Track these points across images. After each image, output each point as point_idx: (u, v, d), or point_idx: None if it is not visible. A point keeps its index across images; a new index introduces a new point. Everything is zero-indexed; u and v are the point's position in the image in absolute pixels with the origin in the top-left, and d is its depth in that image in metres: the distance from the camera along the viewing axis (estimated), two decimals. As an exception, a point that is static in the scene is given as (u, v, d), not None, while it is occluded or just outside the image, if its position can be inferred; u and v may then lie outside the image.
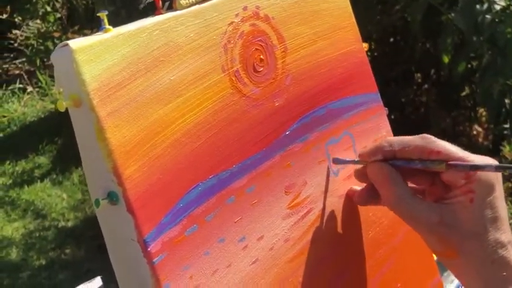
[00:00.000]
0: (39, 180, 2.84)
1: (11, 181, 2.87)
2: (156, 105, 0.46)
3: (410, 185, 0.55)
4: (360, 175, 0.57)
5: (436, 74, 2.66)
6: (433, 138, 0.53)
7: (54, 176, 2.87)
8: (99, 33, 0.45)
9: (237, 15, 0.53)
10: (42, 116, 3.41)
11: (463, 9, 1.96)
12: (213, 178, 0.49)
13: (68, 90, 0.43)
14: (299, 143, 0.56)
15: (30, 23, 3.54)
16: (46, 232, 2.49)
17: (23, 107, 3.48)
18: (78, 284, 0.76)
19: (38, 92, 3.58)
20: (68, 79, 0.43)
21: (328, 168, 0.58)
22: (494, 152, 2.37)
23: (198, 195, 0.48)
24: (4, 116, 3.36)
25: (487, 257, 0.51)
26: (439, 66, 2.39)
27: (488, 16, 1.95)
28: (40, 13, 3.55)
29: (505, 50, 1.97)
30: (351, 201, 0.59)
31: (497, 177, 0.52)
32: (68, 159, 2.90)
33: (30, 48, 3.57)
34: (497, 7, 1.94)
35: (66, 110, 0.44)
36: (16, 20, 3.57)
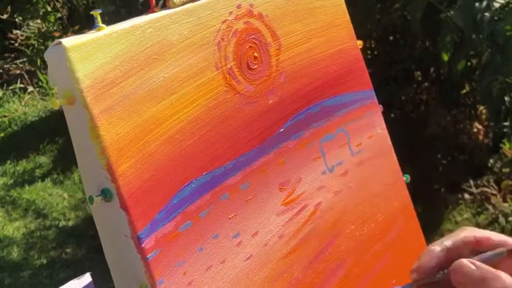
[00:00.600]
0: (40, 180, 2.84)
1: (12, 181, 2.87)
2: (150, 103, 0.46)
3: None
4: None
5: (435, 72, 2.65)
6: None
7: (55, 176, 2.87)
8: (92, 31, 0.46)
9: (230, 13, 0.53)
10: (43, 115, 3.41)
11: (462, 7, 1.96)
12: (207, 175, 0.49)
13: (62, 88, 0.44)
14: (293, 140, 0.56)
15: (31, 23, 3.53)
16: (47, 231, 2.49)
17: (24, 107, 3.48)
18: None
19: (38, 91, 3.58)
20: (62, 77, 0.43)
21: (323, 165, 0.58)
22: (494, 150, 2.37)
23: (192, 192, 0.48)
24: (5, 116, 3.37)
25: None
26: (439, 64, 2.39)
27: (487, 14, 1.95)
28: (40, 13, 3.55)
29: (504, 47, 1.97)
30: (346, 197, 0.59)
31: None
32: (68, 158, 2.90)
33: (30, 48, 3.57)
34: (497, 5, 1.94)
35: (67, 109, 0.44)
36: (17, 20, 3.57)
